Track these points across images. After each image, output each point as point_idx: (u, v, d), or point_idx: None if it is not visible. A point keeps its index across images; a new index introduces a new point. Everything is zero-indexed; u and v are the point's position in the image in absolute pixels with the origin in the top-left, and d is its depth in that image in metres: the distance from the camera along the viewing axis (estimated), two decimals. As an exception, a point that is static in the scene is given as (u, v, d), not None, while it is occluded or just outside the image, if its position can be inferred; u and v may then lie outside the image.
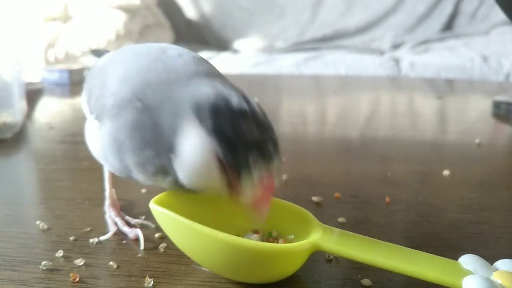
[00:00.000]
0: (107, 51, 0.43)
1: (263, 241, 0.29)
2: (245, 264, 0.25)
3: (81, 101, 0.36)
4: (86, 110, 0.34)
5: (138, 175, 0.28)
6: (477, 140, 0.58)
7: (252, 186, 0.25)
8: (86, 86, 0.35)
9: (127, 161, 0.28)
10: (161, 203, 0.27)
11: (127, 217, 0.34)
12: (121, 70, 0.30)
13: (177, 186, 0.27)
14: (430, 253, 0.24)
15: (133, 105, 0.27)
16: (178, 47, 0.32)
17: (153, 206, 0.27)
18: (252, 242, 0.25)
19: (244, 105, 0.25)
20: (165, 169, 0.27)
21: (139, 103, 0.27)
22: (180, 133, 0.25)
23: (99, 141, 0.30)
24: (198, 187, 0.27)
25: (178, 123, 0.25)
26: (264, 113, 0.26)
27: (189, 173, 0.26)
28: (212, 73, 0.29)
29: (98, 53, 0.50)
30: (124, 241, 0.31)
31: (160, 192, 0.29)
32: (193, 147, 0.25)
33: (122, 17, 1.61)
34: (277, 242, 0.28)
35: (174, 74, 0.28)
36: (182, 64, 0.29)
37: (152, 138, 0.26)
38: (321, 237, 0.26)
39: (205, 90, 0.25)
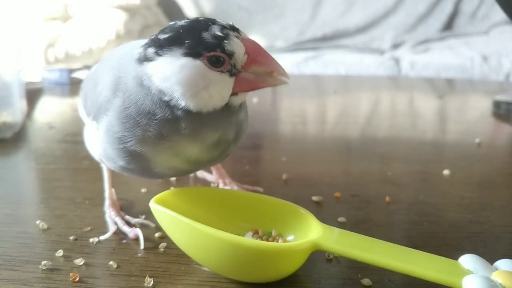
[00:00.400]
0: None
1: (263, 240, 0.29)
2: (245, 263, 0.25)
3: (78, 108, 0.37)
4: (83, 115, 0.35)
5: (146, 153, 0.28)
6: (477, 140, 0.58)
7: (239, 47, 0.26)
8: (81, 92, 0.36)
9: (129, 147, 0.28)
10: (161, 203, 0.27)
11: (127, 217, 0.34)
12: (108, 69, 0.31)
13: (185, 136, 0.27)
14: (430, 252, 0.24)
15: (115, 96, 0.28)
16: None
17: (154, 205, 0.27)
18: (253, 241, 0.25)
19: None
20: (165, 125, 0.27)
21: (120, 92, 0.28)
22: (154, 71, 0.26)
23: (99, 141, 0.30)
24: (199, 100, 0.26)
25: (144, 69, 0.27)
26: None
27: (182, 86, 0.26)
28: None
29: (90, 68, 0.52)
30: (124, 241, 0.31)
31: (160, 192, 0.29)
32: (166, 66, 0.26)
33: (122, 17, 1.61)
34: (277, 242, 0.28)
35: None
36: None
37: (138, 108, 0.27)
38: (321, 237, 0.26)
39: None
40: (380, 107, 0.87)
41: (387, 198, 0.39)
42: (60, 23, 1.60)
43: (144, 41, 0.29)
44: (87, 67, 0.53)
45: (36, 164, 0.50)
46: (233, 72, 0.26)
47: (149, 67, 0.26)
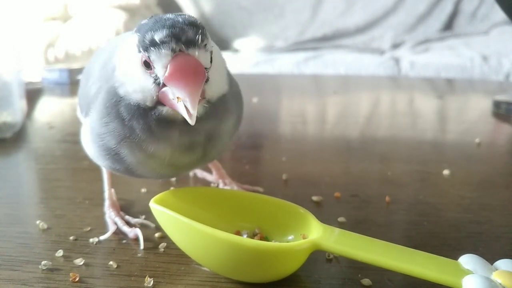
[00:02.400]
0: None
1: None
2: (245, 263, 0.25)
3: (76, 106, 0.37)
4: (79, 112, 0.35)
5: (121, 152, 0.28)
6: (477, 140, 0.58)
7: (160, 59, 0.25)
8: (79, 91, 0.36)
9: (106, 143, 0.28)
10: (161, 203, 0.27)
11: (127, 217, 0.34)
12: (100, 58, 0.31)
13: (147, 135, 0.27)
14: (430, 252, 0.24)
15: (101, 87, 0.29)
16: None
17: (153, 205, 0.27)
18: (252, 241, 0.25)
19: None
20: (127, 119, 0.27)
21: (105, 83, 0.28)
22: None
23: (88, 139, 0.30)
24: (124, 88, 0.27)
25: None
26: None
27: (120, 67, 0.27)
28: None
29: None
30: (124, 241, 0.31)
31: (160, 192, 0.29)
32: (126, 46, 0.27)
33: (122, 16, 1.61)
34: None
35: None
36: None
37: (110, 98, 0.27)
38: (321, 237, 0.26)
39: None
40: (380, 107, 0.87)
41: (387, 198, 0.39)
42: (60, 23, 1.60)
43: None
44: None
45: (36, 164, 0.50)
46: (157, 81, 0.26)
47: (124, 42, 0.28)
